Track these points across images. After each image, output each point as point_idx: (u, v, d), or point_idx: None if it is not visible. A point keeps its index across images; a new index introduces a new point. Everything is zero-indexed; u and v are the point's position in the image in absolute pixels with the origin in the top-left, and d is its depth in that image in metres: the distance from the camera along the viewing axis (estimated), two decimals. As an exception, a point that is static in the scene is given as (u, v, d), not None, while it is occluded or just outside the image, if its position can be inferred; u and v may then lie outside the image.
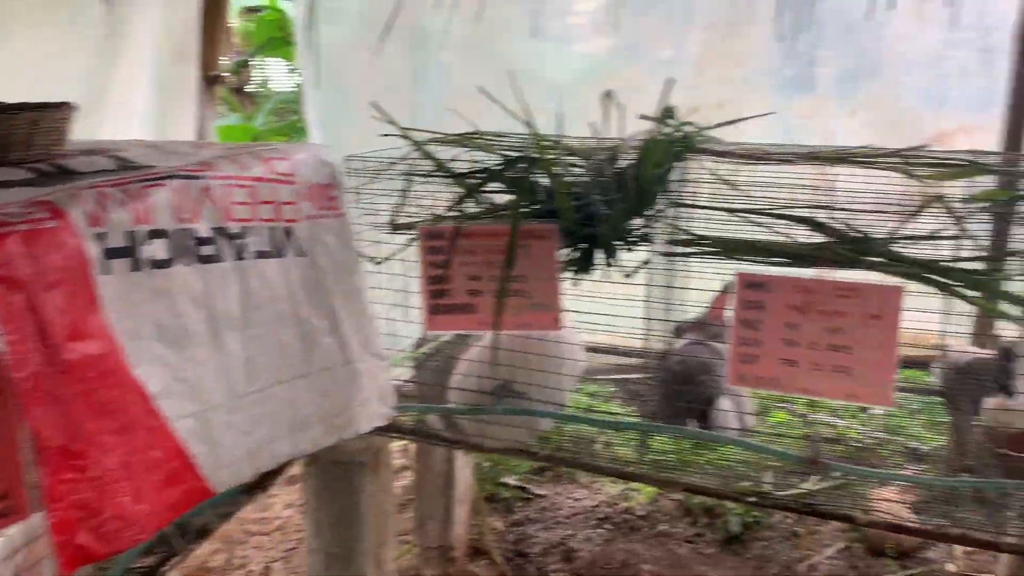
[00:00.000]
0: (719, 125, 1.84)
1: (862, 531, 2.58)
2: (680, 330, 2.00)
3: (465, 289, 1.67)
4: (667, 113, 1.72)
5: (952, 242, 1.52)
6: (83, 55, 2.69)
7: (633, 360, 2.19)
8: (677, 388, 1.83)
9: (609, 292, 1.73)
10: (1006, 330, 1.80)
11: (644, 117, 1.72)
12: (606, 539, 2.71)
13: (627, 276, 1.66)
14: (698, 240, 1.66)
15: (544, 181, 1.69)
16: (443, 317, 1.68)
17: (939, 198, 1.42)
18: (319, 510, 1.88)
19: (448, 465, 2.41)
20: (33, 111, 1.44)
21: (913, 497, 1.69)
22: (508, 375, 1.75)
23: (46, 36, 2.54)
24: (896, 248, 1.54)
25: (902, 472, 1.74)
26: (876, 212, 1.63)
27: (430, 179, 1.74)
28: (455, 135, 1.86)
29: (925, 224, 1.54)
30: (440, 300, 1.68)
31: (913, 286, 1.49)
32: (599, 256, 1.71)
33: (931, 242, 1.53)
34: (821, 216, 1.59)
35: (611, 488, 2.97)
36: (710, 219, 1.78)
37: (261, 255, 1.43)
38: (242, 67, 5.25)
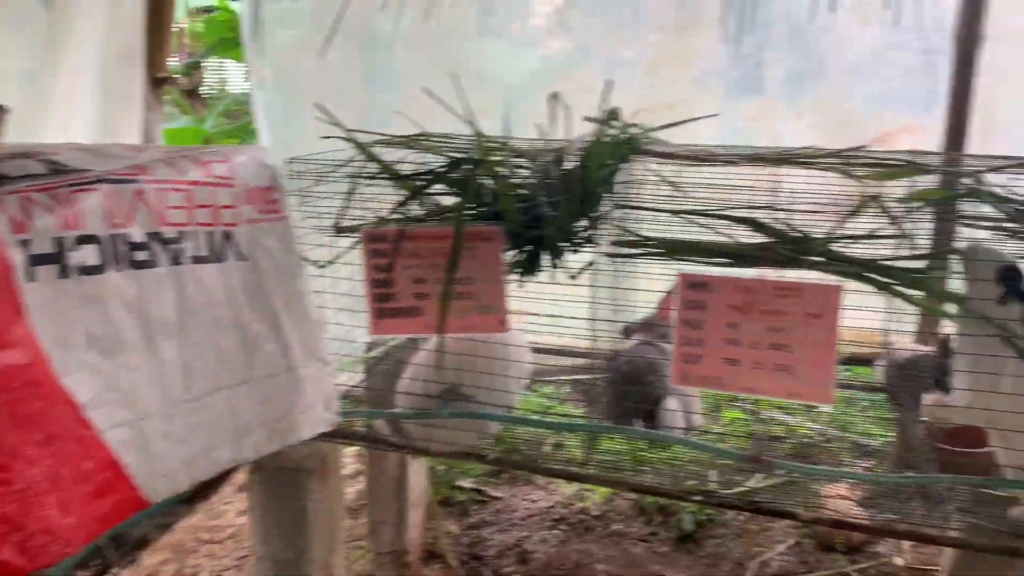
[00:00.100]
0: (664, 127, 1.85)
1: (813, 527, 2.61)
2: (628, 331, 2.01)
3: (410, 292, 1.66)
4: (611, 115, 1.73)
5: (893, 241, 1.55)
6: (24, 59, 2.63)
7: (582, 361, 2.19)
8: (625, 388, 1.84)
9: (557, 293, 1.73)
10: (948, 327, 1.83)
11: (588, 119, 1.72)
12: (561, 540, 2.71)
13: (572, 278, 1.66)
14: (643, 241, 1.66)
15: (490, 183, 1.69)
16: (388, 321, 1.67)
17: (875, 198, 1.44)
18: (265, 518, 1.86)
19: (401, 469, 2.39)
20: (-41, 113, 1.40)
21: (862, 493, 1.72)
22: (455, 378, 1.74)
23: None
24: (837, 247, 1.56)
25: (844, 469, 1.76)
26: (818, 212, 1.65)
27: (376, 182, 1.73)
28: (401, 137, 1.85)
29: (867, 224, 1.56)
30: (385, 304, 1.66)
31: (855, 285, 1.51)
32: (545, 258, 1.71)
33: (871, 241, 1.55)
34: (764, 217, 1.61)
35: (566, 489, 2.97)
36: (657, 220, 1.79)
37: (199, 260, 1.41)
38: (193, 69, 5.18)
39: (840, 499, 1.69)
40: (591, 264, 1.67)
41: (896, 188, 1.65)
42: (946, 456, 1.62)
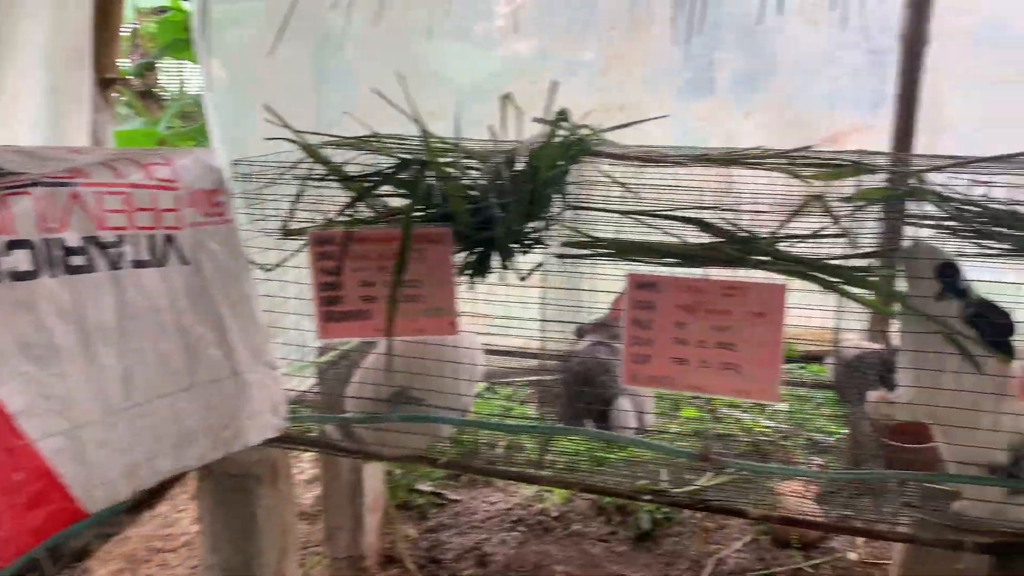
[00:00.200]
0: (614, 128, 1.86)
1: (769, 524, 2.63)
2: (582, 332, 2.02)
3: (359, 295, 1.65)
4: (560, 116, 1.72)
5: (841, 240, 1.56)
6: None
7: (535, 363, 2.19)
8: (578, 389, 1.84)
9: (509, 295, 1.73)
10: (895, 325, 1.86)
11: (537, 120, 1.72)
12: (520, 542, 2.70)
13: (523, 279, 1.66)
14: (593, 242, 1.66)
15: (441, 184, 1.68)
16: (337, 324, 1.65)
17: (818, 197, 1.46)
18: (215, 525, 1.83)
19: (356, 474, 2.37)
20: None
21: (816, 489, 1.73)
22: (405, 382, 1.73)
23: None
24: (783, 247, 1.57)
25: (790, 466, 1.78)
26: (765, 212, 1.66)
27: (326, 183, 1.71)
28: (351, 138, 1.83)
29: (816, 223, 1.58)
30: (333, 307, 1.64)
31: (806, 284, 1.52)
32: (496, 259, 1.70)
33: (822, 240, 1.57)
34: (712, 217, 1.62)
35: (526, 490, 2.96)
36: (610, 221, 1.79)
37: (139, 264, 1.38)
38: (147, 70, 5.09)
39: (795, 496, 1.71)
40: (541, 265, 1.66)
41: (845, 188, 1.67)
42: (892, 452, 1.64)
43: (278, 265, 1.69)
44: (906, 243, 1.58)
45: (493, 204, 1.62)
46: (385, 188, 1.70)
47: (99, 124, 2.94)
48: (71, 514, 1.20)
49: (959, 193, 1.59)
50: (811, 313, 1.53)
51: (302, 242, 1.69)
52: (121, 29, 3.20)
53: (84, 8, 2.88)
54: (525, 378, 2.28)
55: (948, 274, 1.47)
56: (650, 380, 1.56)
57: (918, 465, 1.60)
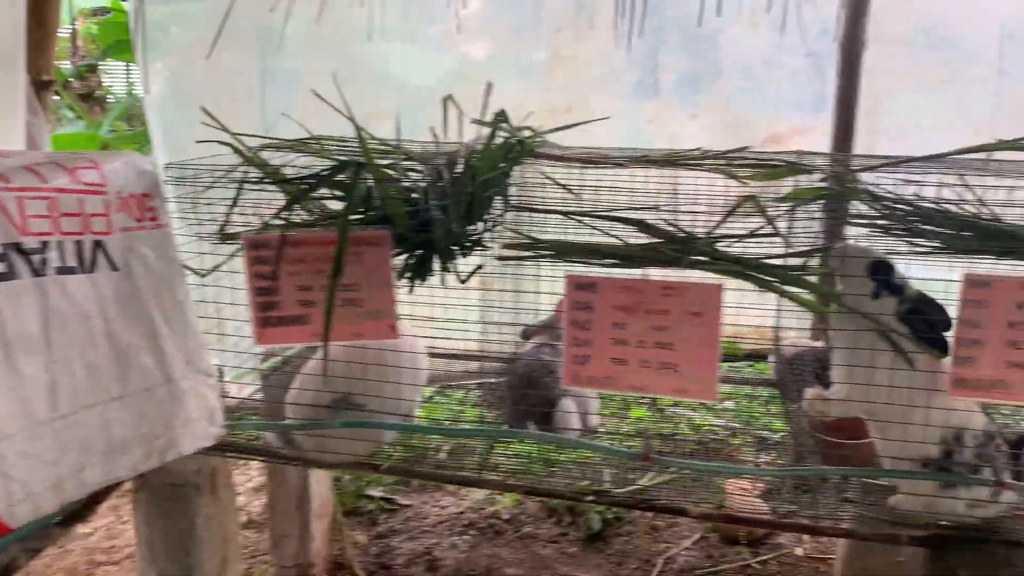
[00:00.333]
0: (557, 129, 1.86)
1: (712, 522, 2.65)
2: (527, 333, 2.02)
3: (296, 300, 1.62)
4: (500, 118, 1.72)
5: (779, 240, 1.58)
6: None
7: (478, 365, 2.18)
8: (522, 391, 1.84)
9: (451, 297, 1.72)
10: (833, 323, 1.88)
11: (476, 122, 1.71)
12: (471, 545, 2.69)
13: (463, 282, 1.65)
14: (533, 243, 1.66)
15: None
16: (274, 330, 1.62)
17: (751, 198, 1.47)
18: (152, 536, 1.79)
19: (303, 481, 2.34)
20: None
21: (761, 486, 1.75)
22: (345, 387, 1.71)
23: None
24: (721, 247, 1.58)
25: (730, 464, 1.79)
26: (704, 212, 1.68)
27: (263, 187, 1.68)
28: (290, 140, 1.81)
29: (755, 223, 1.59)
30: (270, 312, 1.61)
31: (743, 284, 1.54)
32: (436, 262, 1.69)
33: (756, 240, 1.58)
34: (651, 218, 1.62)
35: (477, 494, 2.95)
36: (552, 223, 1.79)
37: (64, 271, 1.34)
38: (88, 72, 4.98)
39: (741, 494, 1.72)
40: (480, 267, 1.66)
41: (784, 188, 1.69)
42: (829, 448, 1.66)
43: (214, 270, 1.65)
44: (837, 244, 1.60)
45: (432, 206, 1.61)
46: (324, 191, 1.68)
47: (35, 128, 2.85)
48: (-8, 529, 1.17)
49: (891, 192, 1.62)
50: (755, 312, 1.55)
51: (238, 246, 1.66)
52: (58, 30, 3.13)
53: (17, 8, 2.80)
54: (470, 381, 2.26)
55: (881, 272, 1.49)
56: (591, 381, 1.56)
57: (855, 461, 1.63)
